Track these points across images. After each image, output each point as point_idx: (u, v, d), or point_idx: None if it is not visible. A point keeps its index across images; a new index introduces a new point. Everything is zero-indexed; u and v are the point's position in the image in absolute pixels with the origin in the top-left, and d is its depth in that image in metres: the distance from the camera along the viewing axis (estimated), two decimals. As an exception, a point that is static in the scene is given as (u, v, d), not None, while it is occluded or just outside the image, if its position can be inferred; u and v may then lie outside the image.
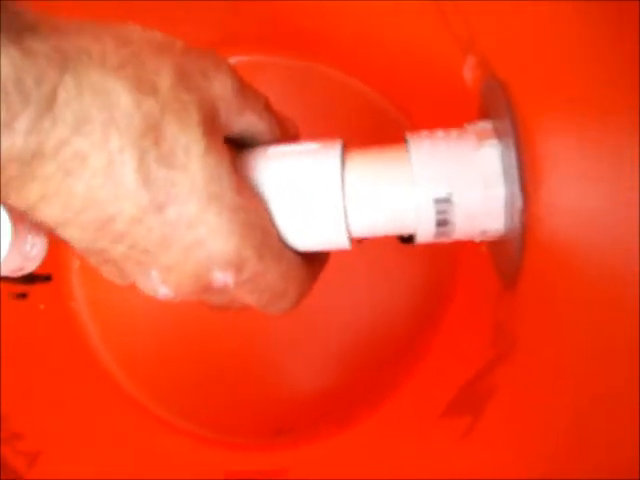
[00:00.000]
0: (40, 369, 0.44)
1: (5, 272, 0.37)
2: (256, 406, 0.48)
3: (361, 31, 0.45)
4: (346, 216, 0.31)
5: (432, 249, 0.47)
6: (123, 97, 0.25)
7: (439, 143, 0.31)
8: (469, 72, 0.35)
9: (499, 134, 0.31)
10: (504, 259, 0.33)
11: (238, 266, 0.28)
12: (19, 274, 0.40)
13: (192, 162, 0.26)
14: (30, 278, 0.45)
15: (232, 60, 0.48)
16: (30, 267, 0.39)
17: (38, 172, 0.25)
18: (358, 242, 0.45)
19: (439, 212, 0.30)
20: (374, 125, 0.49)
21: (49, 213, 0.27)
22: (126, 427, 0.47)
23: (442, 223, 0.31)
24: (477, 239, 0.32)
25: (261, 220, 0.29)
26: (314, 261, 0.34)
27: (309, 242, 0.32)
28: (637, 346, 0.21)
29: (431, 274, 0.48)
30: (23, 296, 0.45)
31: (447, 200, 0.30)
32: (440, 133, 0.32)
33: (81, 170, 0.25)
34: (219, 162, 0.27)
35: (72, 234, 0.28)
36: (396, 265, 0.48)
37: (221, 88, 0.29)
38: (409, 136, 0.32)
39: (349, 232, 0.31)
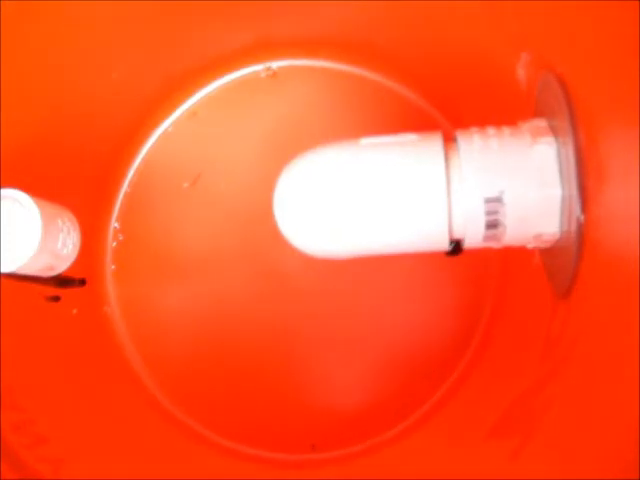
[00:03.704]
0: (71, 372, 0.42)
1: (35, 270, 0.36)
2: (291, 421, 0.47)
3: (405, 32, 0.44)
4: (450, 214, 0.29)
5: (477, 261, 0.45)
6: None
7: (490, 140, 0.29)
8: (522, 70, 0.34)
9: (555, 132, 0.29)
10: (558, 267, 0.31)
11: None
12: (50, 274, 0.39)
13: None
14: (64, 281, 0.44)
15: (271, 65, 0.48)
16: (61, 267, 0.38)
17: None
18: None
19: (489, 212, 0.28)
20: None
21: None
22: (155, 436, 0.46)
23: (492, 225, 0.29)
24: (530, 245, 0.30)
25: None
26: None
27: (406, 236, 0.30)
28: None
29: (476, 288, 0.46)
30: (56, 299, 0.44)
31: (498, 199, 0.28)
32: (491, 130, 0.30)
33: None
34: None
35: None
36: (440, 279, 0.46)
37: None
38: (459, 132, 0.30)
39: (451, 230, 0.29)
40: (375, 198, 0.29)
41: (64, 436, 0.39)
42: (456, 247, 0.32)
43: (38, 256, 0.34)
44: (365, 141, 0.30)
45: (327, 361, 0.47)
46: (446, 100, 0.46)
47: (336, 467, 0.45)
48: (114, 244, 0.48)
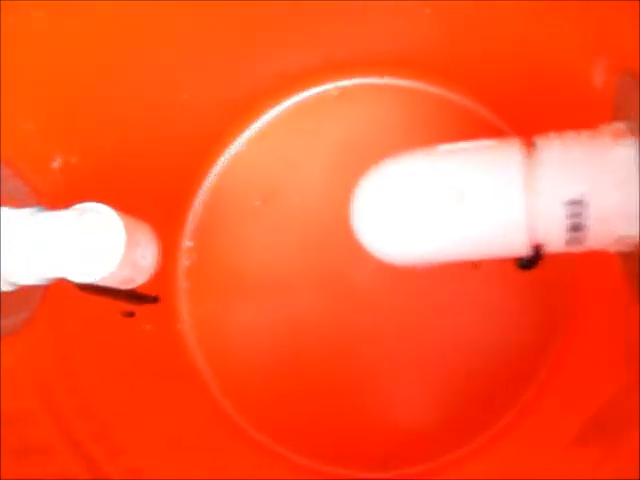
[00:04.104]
0: (145, 386, 0.43)
1: (116, 282, 0.37)
2: (363, 437, 0.46)
3: (471, 47, 0.44)
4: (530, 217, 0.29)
5: (551, 271, 0.44)
6: None
7: (569, 142, 0.29)
8: (599, 75, 0.34)
9: (635, 134, 0.29)
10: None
11: None
12: (130, 286, 0.40)
13: None
14: (139, 298, 0.44)
15: (339, 84, 0.48)
16: (140, 279, 0.39)
17: None
18: (475, 267, 0.43)
19: (571, 215, 0.28)
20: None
21: None
22: (227, 451, 0.46)
23: (575, 228, 0.28)
24: (611, 248, 0.30)
25: None
26: None
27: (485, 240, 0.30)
28: None
29: (551, 299, 0.45)
30: (131, 315, 0.45)
31: (579, 202, 0.28)
32: (570, 134, 0.30)
33: None
34: None
35: None
36: (514, 293, 0.46)
37: None
38: (537, 137, 0.30)
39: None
40: (453, 202, 0.29)
41: (140, 447, 0.40)
42: (534, 256, 0.31)
43: (120, 268, 0.34)
44: (442, 148, 0.31)
45: (401, 378, 0.46)
46: (515, 112, 0.46)
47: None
48: (187, 262, 0.49)
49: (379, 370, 0.46)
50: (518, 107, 0.45)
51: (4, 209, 0.34)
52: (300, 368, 0.47)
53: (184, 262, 0.49)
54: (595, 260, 0.34)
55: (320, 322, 0.47)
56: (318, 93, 0.49)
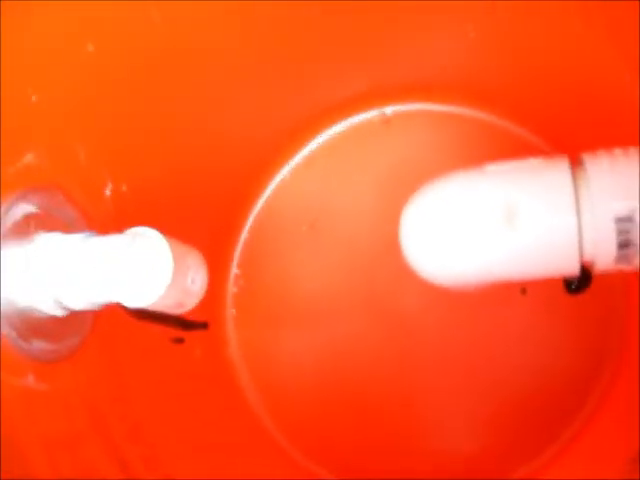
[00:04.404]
0: (194, 412, 0.43)
1: (165, 307, 0.38)
2: (408, 463, 0.46)
3: (516, 71, 0.44)
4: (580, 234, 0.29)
5: (598, 296, 0.44)
6: None
7: (618, 159, 0.29)
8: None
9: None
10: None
11: None
12: (179, 311, 0.40)
13: None
14: (188, 324, 0.45)
15: (385, 110, 0.49)
16: (190, 304, 0.39)
17: None
18: (523, 292, 0.43)
19: (621, 232, 0.28)
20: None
21: None
22: (275, 476, 0.46)
23: (624, 245, 0.28)
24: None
25: None
26: None
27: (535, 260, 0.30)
28: None
29: (600, 323, 0.44)
30: (180, 341, 0.45)
31: (629, 219, 0.28)
32: (617, 150, 0.29)
33: None
34: None
35: None
36: (563, 318, 0.45)
37: None
38: (585, 154, 0.30)
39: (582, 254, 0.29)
40: (502, 221, 0.29)
41: (188, 472, 0.40)
42: (584, 278, 0.31)
43: (169, 292, 0.35)
44: (490, 167, 0.31)
45: (448, 403, 0.46)
46: (561, 135, 0.46)
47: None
48: (235, 289, 0.49)
49: (425, 395, 0.46)
50: (563, 129, 0.45)
51: (57, 234, 0.35)
52: (349, 394, 0.47)
53: (232, 289, 0.49)
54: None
55: (369, 348, 0.47)
56: (363, 120, 0.49)
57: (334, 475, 0.46)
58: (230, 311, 0.49)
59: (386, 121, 0.49)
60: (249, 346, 0.49)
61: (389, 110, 0.49)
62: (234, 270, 0.49)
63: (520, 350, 0.45)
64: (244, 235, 0.50)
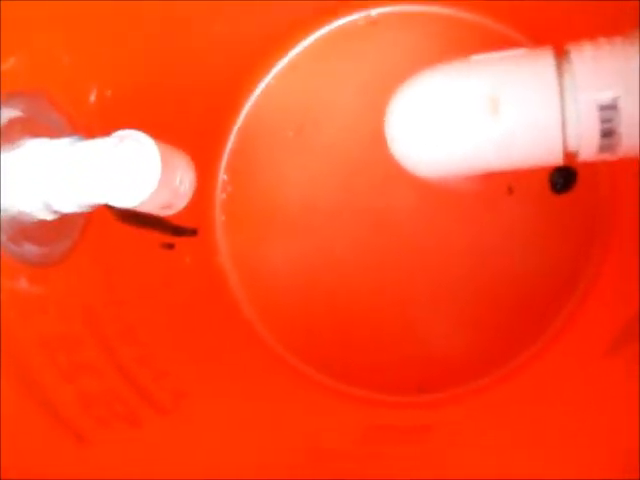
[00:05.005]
0: (185, 315, 0.44)
1: (155, 208, 0.38)
2: (397, 363, 0.47)
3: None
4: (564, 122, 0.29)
5: (584, 196, 0.44)
6: None
7: (602, 48, 0.29)
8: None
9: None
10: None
11: None
12: (168, 212, 0.40)
13: None
14: (177, 229, 0.45)
15: (371, 12, 0.48)
16: (179, 204, 0.40)
17: None
18: (509, 191, 0.43)
19: (604, 120, 0.28)
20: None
21: None
22: (265, 378, 0.47)
23: (607, 133, 0.28)
24: (643, 155, 0.30)
25: None
26: None
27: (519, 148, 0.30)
28: None
29: (584, 222, 0.45)
30: (170, 247, 0.45)
31: (612, 107, 0.28)
32: (602, 40, 0.29)
33: None
34: None
35: None
36: (547, 216, 0.46)
37: None
38: (570, 44, 0.30)
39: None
40: (487, 109, 0.29)
41: (181, 372, 0.41)
42: (568, 177, 0.32)
43: (158, 191, 0.35)
44: (476, 58, 0.31)
45: (435, 304, 0.47)
46: (549, 32, 0.45)
47: (445, 409, 0.45)
48: (223, 196, 0.49)
49: (413, 297, 0.47)
50: (553, 28, 0.44)
51: (44, 139, 0.34)
52: (337, 297, 0.48)
53: (220, 196, 0.49)
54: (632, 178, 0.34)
55: (354, 249, 0.48)
56: (349, 22, 0.48)
57: (318, 372, 0.47)
58: (219, 218, 0.49)
59: (372, 23, 0.48)
60: (238, 252, 0.49)
61: (374, 12, 0.48)
62: (222, 176, 0.49)
63: (508, 249, 0.46)
64: (231, 141, 0.49)
